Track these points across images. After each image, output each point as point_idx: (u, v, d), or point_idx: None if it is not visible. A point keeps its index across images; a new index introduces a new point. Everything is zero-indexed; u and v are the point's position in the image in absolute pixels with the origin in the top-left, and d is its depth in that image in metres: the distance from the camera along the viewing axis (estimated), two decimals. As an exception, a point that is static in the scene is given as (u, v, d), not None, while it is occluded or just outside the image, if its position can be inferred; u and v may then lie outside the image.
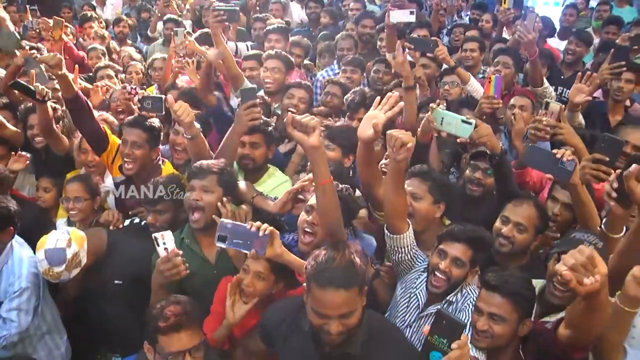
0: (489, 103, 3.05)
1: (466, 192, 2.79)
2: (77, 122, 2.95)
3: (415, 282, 2.25)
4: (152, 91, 4.34)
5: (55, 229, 3.10)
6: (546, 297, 2.14)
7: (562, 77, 4.64)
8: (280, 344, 1.96)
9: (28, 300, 2.59)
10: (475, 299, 2.06)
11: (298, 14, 6.39)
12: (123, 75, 4.53)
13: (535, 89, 3.79)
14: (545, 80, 3.82)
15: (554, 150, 2.30)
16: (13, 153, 3.24)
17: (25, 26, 5.56)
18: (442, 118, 2.33)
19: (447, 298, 2.14)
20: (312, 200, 2.27)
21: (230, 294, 2.13)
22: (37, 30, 5.21)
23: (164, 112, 2.93)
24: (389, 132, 1.99)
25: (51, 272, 2.27)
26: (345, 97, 3.51)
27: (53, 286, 2.84)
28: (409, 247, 2.22)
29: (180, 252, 2.16)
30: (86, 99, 2.93)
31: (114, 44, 5.55)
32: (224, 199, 2.36)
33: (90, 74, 4.58)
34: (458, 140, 2.47)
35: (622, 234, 2.07)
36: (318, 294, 1.71)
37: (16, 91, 3.28)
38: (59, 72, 2.69)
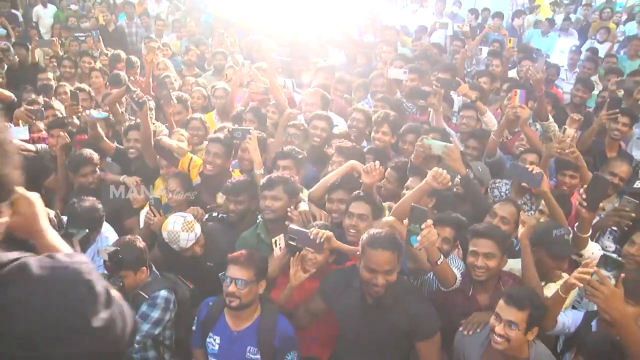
0: (515, 111, 3.80)
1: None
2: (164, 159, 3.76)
3: None
4: (212, 116, 5.07)
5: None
6: None
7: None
8: (336, 299, 2.60)
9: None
10: (455, 262, 2.79)
11: (335, 56, 7.17)
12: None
13: (542, 122, 4.43)
14: (549, 116, 4.44)
15: (527, 165, 3.09)
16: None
17: None
18: (430, 145, 3.28)
19: None
20: (352, 208, 2.94)
21: (293, 265, 2.75)
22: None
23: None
24: (436, 169, 2.74)
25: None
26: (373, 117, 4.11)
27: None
28: None
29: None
30: None
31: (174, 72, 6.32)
32: (290, 207, 3.01)
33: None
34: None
35: (588, 234, 2.80)
36: (371, 254, 2.35)
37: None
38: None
